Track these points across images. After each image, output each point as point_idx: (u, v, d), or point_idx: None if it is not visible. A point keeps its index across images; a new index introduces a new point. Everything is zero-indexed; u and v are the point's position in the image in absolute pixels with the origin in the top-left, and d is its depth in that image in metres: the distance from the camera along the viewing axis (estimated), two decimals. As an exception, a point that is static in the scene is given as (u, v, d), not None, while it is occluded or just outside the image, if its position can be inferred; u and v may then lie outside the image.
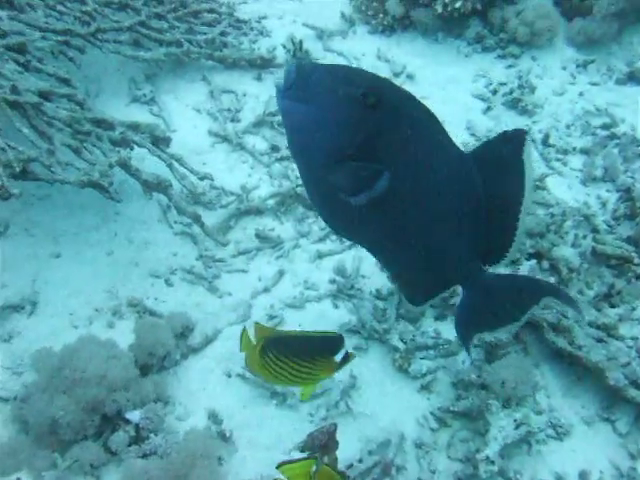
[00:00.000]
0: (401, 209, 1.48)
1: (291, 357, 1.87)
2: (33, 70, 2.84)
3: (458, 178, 1.50)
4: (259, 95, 3.33)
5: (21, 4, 3.01)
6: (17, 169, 2.30)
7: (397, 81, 3.41)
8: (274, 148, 3.13)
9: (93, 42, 3.12)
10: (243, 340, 1.99)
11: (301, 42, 3.37)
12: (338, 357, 1.87)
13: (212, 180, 2.87)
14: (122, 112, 3.23)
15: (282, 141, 3.15)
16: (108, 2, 3.29)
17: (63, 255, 2.75)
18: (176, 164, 2.80)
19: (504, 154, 1.53)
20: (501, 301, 1.67)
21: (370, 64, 3.49)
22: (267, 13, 3.71)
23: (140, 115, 3.25)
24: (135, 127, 2.78)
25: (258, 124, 3.22)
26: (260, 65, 3.43)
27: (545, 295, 1.65)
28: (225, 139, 3.17)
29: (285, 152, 3.10)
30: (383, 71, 3.45)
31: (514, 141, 1.51)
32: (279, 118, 3.21)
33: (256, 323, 1.99)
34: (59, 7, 3.13)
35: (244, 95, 3.32)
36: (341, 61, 3.50)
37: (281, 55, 3.44)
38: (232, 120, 3.24)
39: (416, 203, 1.48)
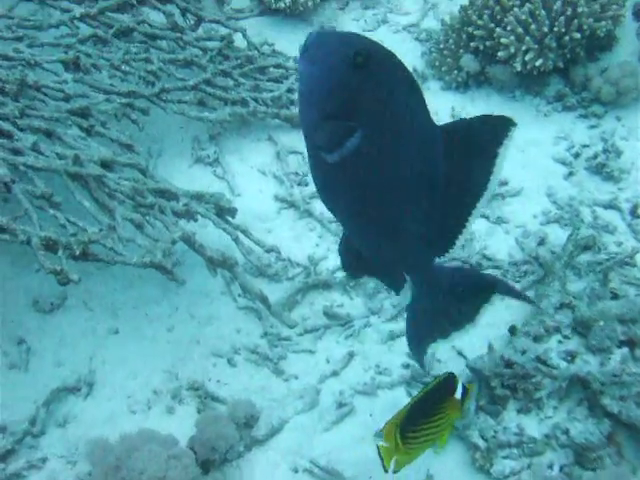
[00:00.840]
0: (367, 172, 1.45)
1: (425, 421, 1.87)
2: (96, 135, 2.75)
3: (424, 152, 1.47)
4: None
5: (86, 66, 2.92)
6: (77, 252, 2.17)
7: (473, 143, 3.23)
8: (344, 215, 2.96)
9: (157, 103, 3.01)
10: (384, 455, 1.86)
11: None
12: (458, 394, 1.90)
13: (278, 253, 2.73)
14: (185, 174, 3.13)
15: (351, 207, 2.98)
16: (173, 60, 3.19)
17: (121, 331, 2.64)
18: (241, 236, 2.67)
19: (482, 138, 1.48)
20: (453, 299, 1.64)
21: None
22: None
23: (204, 177, 3.13)
24: (199, 197, 2.65)
25: (326, 188, 3.06)
26: (328, 124, 3.28)
27: (495, 292, 1.64)
28: (292, 205, 3.02)
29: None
30: (458, 132, 3.27)
31: (498, 128, 1.48)
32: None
33: (382, 429, 1.88)
34: (124, 67, 3.03)
35: (312, 157, 3.17)
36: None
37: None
38: (299, 184, 3.09)
39: (381, 168, 1.46)
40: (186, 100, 3.08)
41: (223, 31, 3.45)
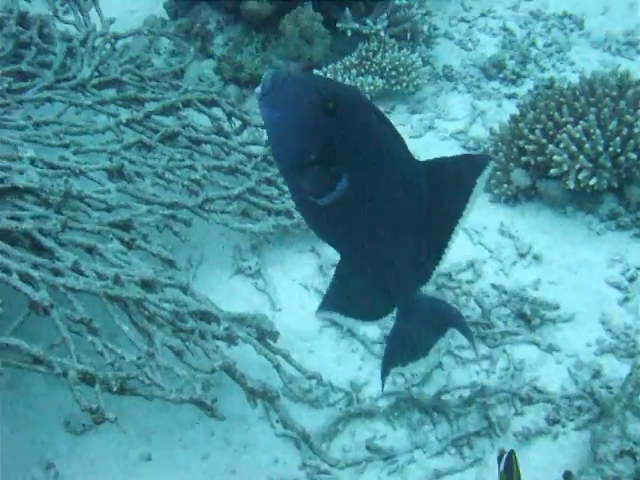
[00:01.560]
0: (358, 211, 1.53)
1: None
2: (137, 248, 2.69)
3: (409, 185, 1.54)
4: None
5: (130, 174, 2.87)
6: (115, 388, 2.09)
7: (523, 262, 3.14)
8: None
9: (200, 214, 2.95)
10: None
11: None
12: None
13: (320, 380, 2.63)
14: (225, 285, 3.06)
15: (396, 328, 2.88)
16: (217, 167, 3.14)
17: (154, 457, 2.53)
18: (283, 361, 2.57)
19: (461, 172, 1.56)
20: (420, 327, 1.73)
21: (492, 239, 3.23)
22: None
23: (244, 289, 3.05)
24: (241, 320, 2.56)
25: (370, 307, 2.96)
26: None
27: (450, 326, 1.74)
28: (334, 323, 2.92)
29: (399, 342, 2.83)
30: (507, 249, 3.18)
31: (477, 163, 1.54)
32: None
33: None
34: (168, 174, 2.98)
35: (356, 271, 3.07)
36: (460, 234, 3.23)
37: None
38: (342, 300, 2.99)
39: (370, 205, 1.53)
40: (229, 210, 3.01)
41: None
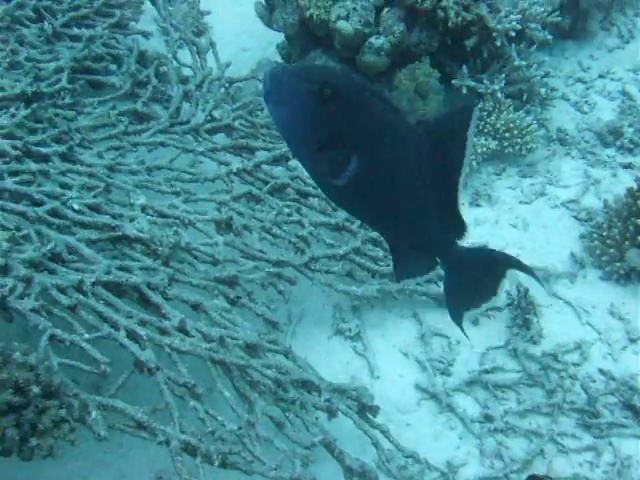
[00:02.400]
0: (372, 185, 1.63)
1: None
2: (241, 306, 2.66)
3: (413, 152, 1.62)
4: (474, 345, 2.98)
5: (238, 228, 2.85)
6: (216, 462, 2.05)
7: (633, 348, 3.00)
8: (488, 417, 2.75)
9: (305, 273, 2.91)
10: None
11: (527, 290, 3.02)
12: None
13: (417, 459, 2.54)
14: (324, 346, 3.01)
15: (497, 408, 2.78)
16: (325, 223, 3.10)
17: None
18: (381, 437, 2.50)
19: (454, 126, 1.62)
20: (476, 275, 1.78)
21: (601, 320, 3.10)
22: (489, 241, 3.39)
23: (343, 352, 3.00)
24: (342, 392, 2.51)
25: (471, 383, 2.87)
26: (477, 304, 3.11)
27: (509, 267, 1.79)
28: (433, 396, 2.84)
29: (500, 424, 2.73)
30: (617, 332, 3.05)
31: (463, 114, 1.61)
32: (494, 377, 2.87)
33: None
34: (275, 229, 2.96)
35: (457, 343, 2.99)
36: (568, 311, 3.13)
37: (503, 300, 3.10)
38: (442, 373, 2.90)
39: (382, 178, 1.63)
40: (334, 271, 2.97)
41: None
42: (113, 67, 3.62)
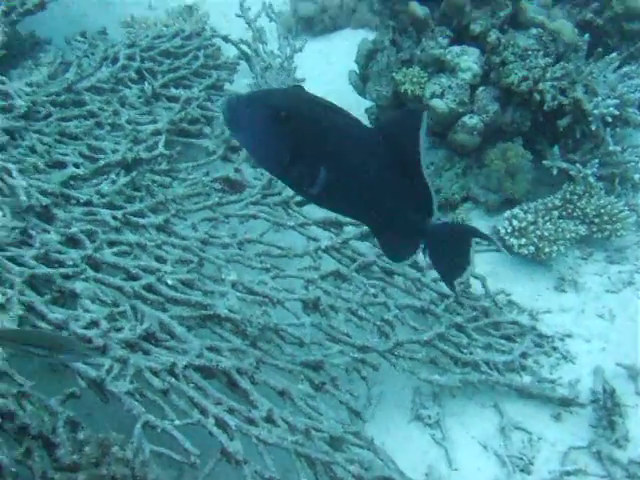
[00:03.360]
0: (344, 188, 1.82)
1: None
2: (325, 392, 2.68)
3: (374, 152, 1.79)
4: (556, 442, 2.94)
5: (325, 309, 2.87)
6: None
7: None
8: None
9: (389, 358, 2.91)
10: None
11: (614, 391, 2.96)
12: None
13: None
14: (402, 430, 2.99)
15: None
16: (409, 305, 3.10)
17: None
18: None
19: (407, 127, 1.80)
20: (450, 244, 1.96)
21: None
22: (573, 331, 3.35)
23: (421, 439, 2.98)
24: (421, 490, 2.49)
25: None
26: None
27: (473, 236, 2.00)
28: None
29: None
30: None
31: (415, 116, 1.79)
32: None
33: None
34: (361, 311, 2.97)
35: (539, 439, 2.95)
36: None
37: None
38: (522, 470, 2.86)
39: (352, 180, 1.81)
40: (417, 357, 2.96)
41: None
42: (207, 130, 3.69)
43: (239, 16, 3.95)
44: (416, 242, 2.00)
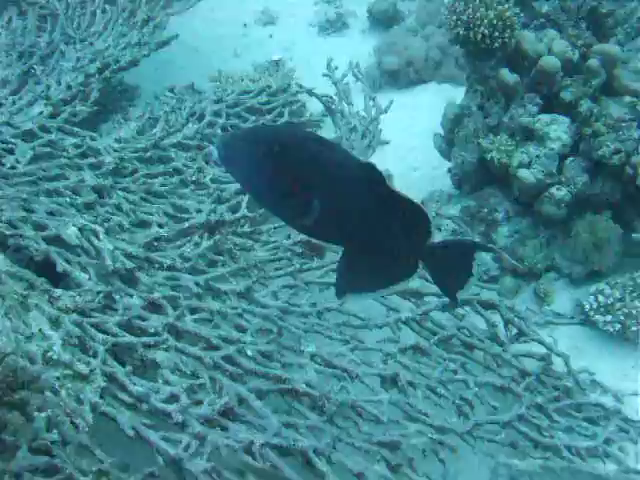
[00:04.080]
0: (336, 218, 1.86)
1: None
2: (401, 474, 2.62)
3: (364, 182, 1.81)
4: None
5: (403, 384, 2.83)
6: None
7: None
8: None
9: (467, 440, 2.84)
10: None
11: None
12: None
13: None
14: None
15: None
16: (489, 383, 3.02)
17: None
18: None
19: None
20: (452, 263, 1.97)
21: None
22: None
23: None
24: None
25: None
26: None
27: (476, 250, 2.01)
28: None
29: None
30: None
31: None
32: None
33: None
34: (439, 389, 2.91)
35: (620, 532, 2.83)
36: None
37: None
38: None
39: (344, 209, 1.85)
40: (497, 439, 2.88)
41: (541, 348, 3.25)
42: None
43: (326, 75, 3.94)
44: (414, 264, 2.00)
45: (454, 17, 3.55)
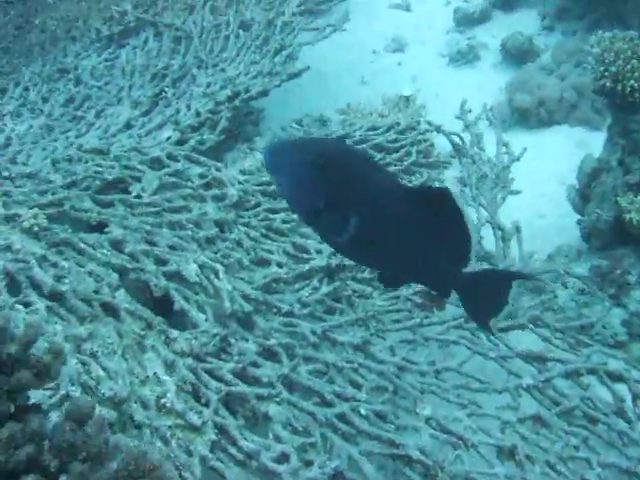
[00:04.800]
0: (372, 239, 1.83)
1: None
2: None
3: (406, 203, 1.80)
4: None
5: (521, 459, 2.67)
6: None
7: None
8: None
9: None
10: None
11: None
12: None
13: None
14: None
15: None
16: (614, 464, 2.83)
17: None
18: None
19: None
20: (487, 294, 1.97)
21: None
22: None
23: None
24: None
25: None
26: None
27: (512, 279, 2.13)
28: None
29: None
30: None
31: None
32: None
33: None
34: (559, 466, 2.74)
35: None
36: None
37: None
38: None
39: (379, 231, 1.83)
40: (619, 528, 2.69)
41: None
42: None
43: (458, 118, 3.82)
44: (447, 291, 2.02)
45: (601, 68, 3.37)
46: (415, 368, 2.89)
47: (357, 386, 2.72)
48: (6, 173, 2.99)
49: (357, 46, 6.11)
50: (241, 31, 4.42)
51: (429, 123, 4.13)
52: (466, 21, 6.28)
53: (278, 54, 4.11)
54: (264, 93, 3.78)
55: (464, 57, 5.87)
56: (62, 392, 2.11)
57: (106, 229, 2.88)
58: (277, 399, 2.53)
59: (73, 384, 2.17)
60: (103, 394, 2.22)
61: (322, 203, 1.79)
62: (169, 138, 3.67)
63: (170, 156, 3.49)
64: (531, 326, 3.17)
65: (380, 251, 1.90)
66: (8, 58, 4.82)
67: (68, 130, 3.97)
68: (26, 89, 4.43)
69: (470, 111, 3.79)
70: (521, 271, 2.10)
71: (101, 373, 2.28)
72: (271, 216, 3.39)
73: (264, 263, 3.15)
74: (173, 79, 4.17)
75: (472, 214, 3.54)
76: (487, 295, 2.00)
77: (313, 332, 2.81)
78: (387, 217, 1.84)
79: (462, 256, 1.92)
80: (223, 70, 4.10)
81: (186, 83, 4.16)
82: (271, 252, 3.18)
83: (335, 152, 1.81)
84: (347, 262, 3.17)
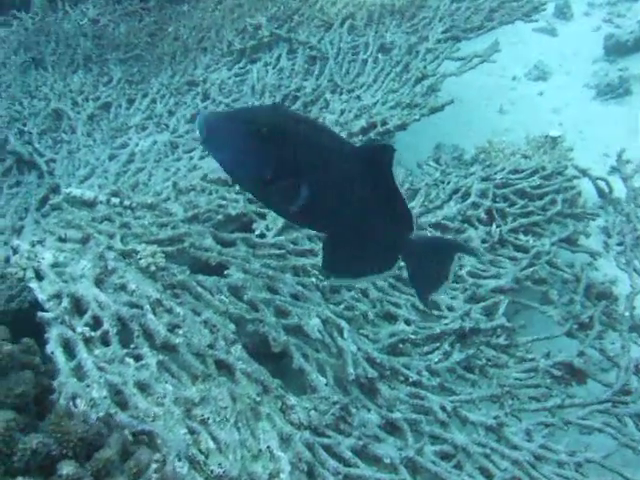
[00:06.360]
0: (323, 205, 1.83)
1: None
2: None
3: (352, 167, 1.80)
4: None
5: None
6: None
7: None
8: None
9: None
10: None
11: None
12: None
13: None
14: None
15: None
16: None
17: None
18: None
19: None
20: (431, 261, 1.99)
21: None
22: None
23: None
24: None
25: None
26: None
27: (456, 251, 2.04)
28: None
29: None
30: None
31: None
32: None
33: None
34: None
35: None
36: None
37: None
38: None
39: (331, 196, 1.82)
40: None
41: None
42: (553, 294, 3.24)
43: (614, 169, 3.45)
44: (394, 257, 1.97)
45: None
46: (554, 458, 2.57)
47: (488, 475, 2.43)
48: (127, 202, 2.82)
49: (497, 71, 5.76)
50: (380, 55, 4.16)
51: (576, 168, 3.77)
52: (617, 49, 5.83)
53: (419, 83, 3.82)
54: (402, 127, 3.50)
55: (613, 91, 5.41)
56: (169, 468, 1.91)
57: (226, 272, 2.68)
58: (399, 487, 2.27)
59: (180, 459, 1.96)
60: (212, 471, 2.00)
61: (270, 173, 1.75)
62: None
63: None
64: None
65: (331, 215, 1.88)
66: (139, 66, 4.70)
67: (192, 150, 3.80)
68: (153, 101, 4.29)
69: (628, 162, 3.41)
70: (464, 244, 2.16)
71: (211, 445, 2.06)
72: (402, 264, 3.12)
73: (390, 318, 2.88)
74: (304, 102, 3.94)
75: (625, 280, 3.17)
76: (431, 264, 1.99)
77: (442, 408, 2.53)
78: (336, 181, 1.81)
79: (406, 221, 1.90)
80: (359, 97, 3.85)
81: (318, 107, 3.92)
82: (399, 306, 2.91)
83: (278, 119, 1.75)
84: (482, 326, 2.87)
